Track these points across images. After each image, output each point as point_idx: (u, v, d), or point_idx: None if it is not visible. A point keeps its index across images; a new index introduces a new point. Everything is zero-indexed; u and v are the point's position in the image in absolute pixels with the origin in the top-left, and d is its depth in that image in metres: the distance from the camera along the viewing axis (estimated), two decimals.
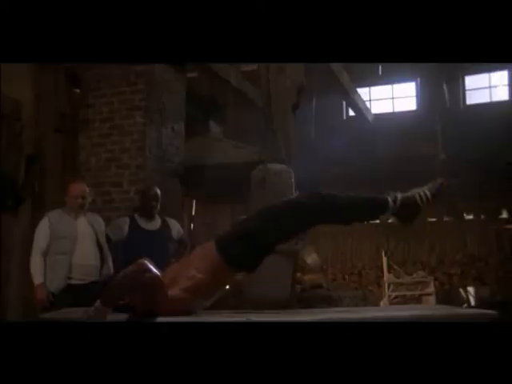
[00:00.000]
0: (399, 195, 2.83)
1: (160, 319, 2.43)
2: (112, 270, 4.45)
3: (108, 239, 4.53)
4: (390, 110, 12.76)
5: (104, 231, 4.53)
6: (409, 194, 2.86)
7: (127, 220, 4.70)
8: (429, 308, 3.81)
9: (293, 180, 4.58)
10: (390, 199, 2.82)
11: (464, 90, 12.10)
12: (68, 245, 4.25)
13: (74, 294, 4.07)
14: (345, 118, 12.84)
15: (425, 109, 12.01)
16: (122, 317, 2.55)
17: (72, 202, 4.39)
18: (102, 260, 4.41)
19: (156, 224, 4.72)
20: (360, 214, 2.90)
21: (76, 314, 2.74)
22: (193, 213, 7.79)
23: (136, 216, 4.73)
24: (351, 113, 11.84)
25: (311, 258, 9.98)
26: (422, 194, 2.85)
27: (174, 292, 2.57)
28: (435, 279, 10.29)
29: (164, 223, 4.77)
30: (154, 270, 2.51)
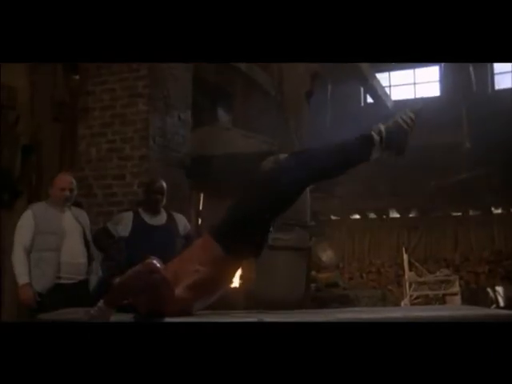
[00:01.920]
0: (382, 126, 2.84)
1: (169, 320, 2.45)
2: (99, 268, 4.43)
3: (111, 235, 4.54)
4: (412, 96, 12.70)
5: (89, 226, 4.50)
6: (390, 122, 2.86)
7: (131, 215, 4.70)
8: (454, 309, 3.81)
9: None
10: (373, 133, 2.83)
11: (493, 74, 12.00)
12: (55, 241, 4.17)
13: (63, 293, 4.03)
14: (363, 105, 12.81)
15: (449, 94, 11.94)
16: (125, 317, 2.58)
17: (58, 194, 4.30)
18: (89, 257, 4.38)
19: (161, 219, 4.72)
20: (347, 157, 2.87)
21: (76, 314, 2.77)
22: (200, 207, 7.79)
23: (140, 210, 4.73)
24: (369, 99, 11.80)
25: (326, 256, 10.00)
26: (404, 116, 2.84)
27: (178, 291, 2.59)
28: (460, 278, 10.26)
29: (170, 218, 4.77)
30: (162, 270, 2.53)
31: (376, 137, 2.81)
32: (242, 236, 2.74)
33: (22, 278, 4.09)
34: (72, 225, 4.33)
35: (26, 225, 4.20)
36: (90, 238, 4.41)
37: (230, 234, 2.74)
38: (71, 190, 4.37)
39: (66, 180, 4.40)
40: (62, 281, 4.17)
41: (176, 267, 2.74)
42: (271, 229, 2.82)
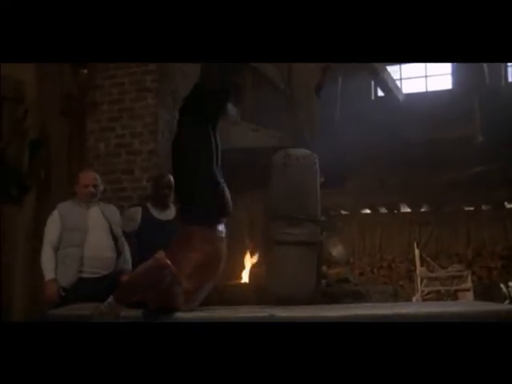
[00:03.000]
0: None
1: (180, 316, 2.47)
2: (130, 262, 4.49)
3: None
4: (423, 90, 12.64)
5: (119, 221, 4.56)
6: None
7: (139, 210, 4.73)
8: (466, 304, 3.81)
9: (317, 165, 4.57)
10: None
11: (506, 66, 11.92)
12: (79, 237, 4.28)
13: (86, 288, 4.11)
14: (373, 98, 12.75)
15: (461, 87, 11.87)
16: (135, 313, 2.60)
17: (83, 191, 4.42)
18: (118, 251, 4.44)
19: (170, 214, 4.74)
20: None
21: (86, 309, 2.79)
22: None
23: (149, 205, 4.76)
24: (380, 93, 11.76)
25: (337, 250, 10.00)
26: None
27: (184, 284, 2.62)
28: (473, 273, 10.22)
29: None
30: (172, 266, 2.55)
31: None
32: (192, 203, 2.89)
33: (48, 274, 4.24)
34: (98, 220, 4.42)
35: (52, 223, 4.35)
36: (117, 232, 4.48)
37: (185, 208, 2.95)
38: (95, 186, 4.48)
39: (89, 176, 4.52)
40: (85, 275, 4.26)
41: (175, 259, 2.76)
42: (221, 181, 2.89)
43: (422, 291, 9.53)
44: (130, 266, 4.47)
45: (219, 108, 3.04)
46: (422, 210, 11.94)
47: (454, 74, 12.30)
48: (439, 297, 9.36)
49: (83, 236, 4.30)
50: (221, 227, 2.93)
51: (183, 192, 2.86)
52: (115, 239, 4.45)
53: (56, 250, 4.28)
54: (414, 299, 9.31)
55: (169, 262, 2.55)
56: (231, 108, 8.18)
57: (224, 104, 3.04)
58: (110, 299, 2.51)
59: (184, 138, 2.87)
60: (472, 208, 11.37)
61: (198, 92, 2.86)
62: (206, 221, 2.83)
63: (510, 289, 10.01)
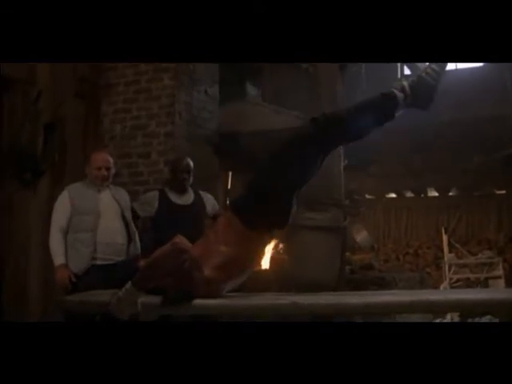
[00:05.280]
0: (405, 82, 2.84)
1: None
2: (139, 249, 4.49)
3: (136, 216, 4.58)
4: (453, 67, 12.49)
5: (130, 206, 4.53)
6: (415, 76, 2.88)
7: (157, 194, 4.73)
8: (498, 292, 3.77)
9: (341, 148, 4.55)
10: (395, 90, 2.81)
11: None
12: (91, 221, 4.23)
13: (99, 274, 4.11)
14: (399, 76, 12.63)
15: (493, 64, 11.69)
16: (153, 299, 2.61)
17: (94, 173, 4.35)
18: (129, 238, 4.42)
19: (189, 198, 4.74)
20: (370, 117, 2.84)
21: (103, 296, 2.81)
22: (229, 186, 7.82)
23: (166, 190, 4.76)
24: (407, 71, 11.65)
25: (361, 236, 9.99)
26: (429, 70, 2.85)
27: (206, 272, 2.62)
28: (504, 260, 10.11)
29: (197, 197, 4.79)
30: (190, 250, 2.56)
31: (399, 94, 2.80)
32: (260, 208, 2.76)
33: (58, 259, 4.19)
34: (109, 205, 4.37)
35: (61, 206, 4.29)
36: (128, 218, 4.45)
37: (248, 207, 2.77)
38: (108, 169, 4.42)
39: (101, 158, 4.45)
40: (98, 261, 4.23)
41: (202, 248, 2.77)
42: (294, 200, 2.82)
43: (451, 279, 9.45)
44: (140, 252, 4.47)
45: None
46: (451, 193, 11.85)
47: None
48: (468, 284, 9.28)
49: (95, 221, 4.24)
50: (270, 234, 2.93)
51: (260, 192, 2.79)
52: (126, 225, 4.42)
53: (65, 234, 4.22)
54: (441, 287, 9.26)
55: (187, 246, 2.55)
56: (251, 89, 8.17)
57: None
58: (128, 285, 2.52)
59: (297, 157, 2.80)
60: (503, 192, 11.25)
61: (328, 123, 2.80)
62: (261, 227, 2.81)
63: None
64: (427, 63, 2.87)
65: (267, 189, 2.76)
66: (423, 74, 2.84)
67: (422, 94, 2.86)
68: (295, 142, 2.80)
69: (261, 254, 2.97)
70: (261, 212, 2.76)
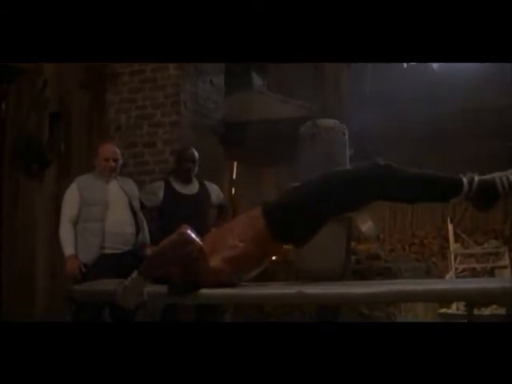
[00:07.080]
0: (476, 177, 2.75)
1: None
2: (148, 238, 4.52)
3: (141, 205, 4.60)
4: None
5: (137, 196, 4.58)
6: (488, 177, 2.76)
7: (162, 184, 4.75)
8: (504, 281, 3.77)
9: (346, 137, 4.54)
10: (465, 181, 2.74)
11: None
12: (99, 212, 4.31)
13: (108, 263, 4.15)
14: (405, 66, 12.58)
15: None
16: (159, 288, 2.63)
17: (102, 165, 4.43)
18: (137, 227, 4.46)
19: (194, 188, 4.76)
20: (428, 193, 2.82)
21: (110, 285, 2.83)
22: (234, 175, 7.84)
23: (171, 179, 4.77)
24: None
25: (367, 226, 9.97)
26: (504, 179, 2.74)
27: (214, 263, 2.63)
28: (510, 250, 10.10)
29: (202, 187, 4.80)
30: (197, 239, 2.57)
31: (466, 186, 2.73)
32: (292, 224, 2.72)
33: (68, 250, 4.27)
34: (118, 195, 4.44)
35: (70, 197, 4.37)
36: (137, 207, 4.51)
37: (280, 218, 2.71)
38: (115, 160, 4.49)
39: (109, 150, 4.52)
40: (107, 251, 4.29)
41: (215, 238, 2.78)
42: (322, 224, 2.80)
43: (456, 268, 9.44)
44: (149, 241, 4.51)
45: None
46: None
47: None
48: (475, 274, 9.26)
49: (104, 211, 4.32)
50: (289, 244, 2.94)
51: (301, 208, 2.74)
52: (134, 214, 4.47)
53: (75, 225, 4.31)
54: (447, 277, 9.26)
55: (194, 236, 2.56)
56: (257, 78, 8.16)
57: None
58: (134, 274, 2.54)
59: (358, 193, 2.77)
60: None
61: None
62: (285, 239, 2.81)
63: None
64: (507, 173, 2.75)
65: (310, 209, 2.71)
66: (497, 180, 2.74)
67: (485, 195, 2.77)
68: (349, 182, 2.71)
69: (272, 257, 2.98)
70: (292, 226, 2.73)
